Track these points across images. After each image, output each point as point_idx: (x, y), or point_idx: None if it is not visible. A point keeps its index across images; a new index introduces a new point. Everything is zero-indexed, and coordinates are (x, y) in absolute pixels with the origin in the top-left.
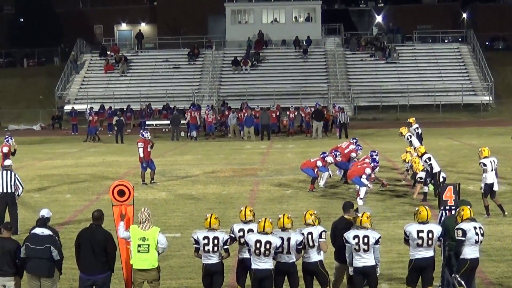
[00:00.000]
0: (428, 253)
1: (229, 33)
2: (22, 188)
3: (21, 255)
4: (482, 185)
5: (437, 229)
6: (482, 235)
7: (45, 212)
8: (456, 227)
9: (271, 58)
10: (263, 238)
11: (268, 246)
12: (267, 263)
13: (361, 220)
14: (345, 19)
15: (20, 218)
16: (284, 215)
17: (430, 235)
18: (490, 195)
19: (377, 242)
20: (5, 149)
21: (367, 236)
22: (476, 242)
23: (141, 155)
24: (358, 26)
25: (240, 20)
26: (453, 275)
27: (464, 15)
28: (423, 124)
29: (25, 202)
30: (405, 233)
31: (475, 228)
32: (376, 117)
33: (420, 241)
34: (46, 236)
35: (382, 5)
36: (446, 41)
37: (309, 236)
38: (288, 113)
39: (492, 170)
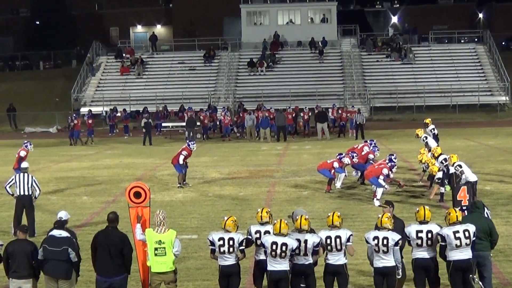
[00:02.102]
0: (429, 253)
1: (244, 35)
2: (39, 190)
3: (38, 257)
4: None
5: (436, 229)
6: (468, 237)
7: (63, 214)
8: (437, 232)
9: (287, 60)
10: (279, 240)
11: (284, 248)
12: (283, 265)
13: (381, 220)
14: (360, 20)
15: (37, 221)
16: (301, 216)
17: (429, 235)
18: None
19: (396, 243)
20: (23, 153)
21: (387, 238)
22: (458, 246)
23: (181, 162)
24: (373, 27)
25: (256, 21)
26: (470, 276)
27: (480, 15)
28: (439, 125)
29: (42, 204)
30: (405, 234)
31: (457, 232)
32: (392, 117)
33: (419, 241)
34: (63, 238)
35: (398, 5)
36: (462, 41)
37: (337, 239)
38: (302, 114)
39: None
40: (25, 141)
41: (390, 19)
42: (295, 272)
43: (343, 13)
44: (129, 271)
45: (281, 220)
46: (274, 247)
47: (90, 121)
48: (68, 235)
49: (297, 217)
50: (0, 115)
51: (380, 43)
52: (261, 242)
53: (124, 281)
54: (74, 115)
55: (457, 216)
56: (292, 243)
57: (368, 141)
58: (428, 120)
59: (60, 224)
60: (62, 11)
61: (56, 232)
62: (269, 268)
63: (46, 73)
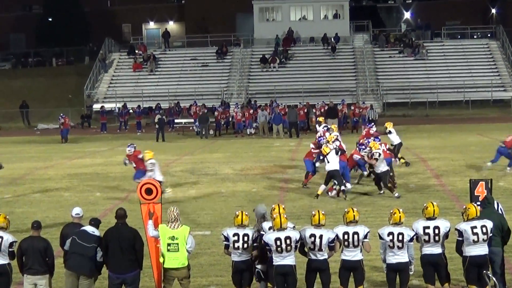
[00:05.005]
0: (436, 249)
1: (257, 31)
2: None
3: (64, 247)
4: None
5: (444, 225)
6: (485, 233)
7: (78, 211)
8: (455, 227)
9: (300, 56)
10: (282, 235)
11: (288, 241)
12: (288, 259)
13: (399, 217)
14: (373, 15)
15: (51, 217)
16: (318, 211)
17: (436, 231)
18: None
19: (411, 239)
20: None
21: (402, 233)
22: (475, 241)
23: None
24: (386, 22)
25: (268, 17)
26: (483, 271)
27: (493, 11)
28: (452, 121)
29: (55, 201)
30: (413, 230)
31: (474, 227)
32: (405, 113)
33: (426, 237)
34: (95, 237)
35: (410, 1)
36: (475, 37)
37: (355, 235)
38: (314, 110)
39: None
40: None
41: (403, 15)
42: (310, 268)
43: (356, 9)
44: (141, 267)
45: (280, 215)
46: (278, 242)
47: (67, 121)
48: (100, 235)
49: (262, 212)
50: (13, 111)
51: (392, 39)
52: (264, 241)
53: (136, 276)
54: (62, 114)
55: (476, 211)
56: (294, 234)
57: (368, 125)
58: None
59: (96, 222)
60: (74, 8)
61: (90, 229)
62: (275, 263)
63: (58, 70)
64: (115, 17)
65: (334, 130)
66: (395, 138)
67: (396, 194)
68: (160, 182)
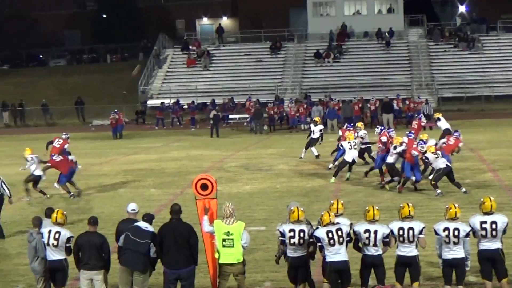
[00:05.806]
0: (493, 244)
1: (311, 26)
2: (8, 191)
3: (118, 243)
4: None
5: (502, 220)
6: (503, 229)
7: (134, 206)
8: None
9: (354, 50)
10: (333, 228)
11: (340, 233)
12: (342, 255)
13: (455, 212)
14: (427, 9)
15: (106, 213)
16: (373, 206)
17: (494, 226)
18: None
19: (467, 235)
20: (58, 144)
21: (458, 229)
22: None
23: None
24: (441, 16)
25: (322, 12)
26: None
27: None
28: (508, 115)
29: (111, 196)
30: (469, 225)
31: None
32: (460, 108)
33: (483, 232)
34: (149, 232)
35: None
36: None
37: (410, 231)
38: (369, 105)
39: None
40: (65, 133)
41: (458, 9)
42: (365, 263)
43: (410, 3)
44: (197, 262)
45: (327, 212)
46: (330, 235)
47: (122, 117)
48: (153, 230)
49: (292, 208)
50: (68, 108)
51: (447, 33)
52: (316, 237)
53: (192, 272)
54: (116, 110)
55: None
56: (345, 227)
57: (417, 116)
58: (359, 124)
59: (149, 218)
60: (128, 4)
61: (143, 225)
62: (328, 259)
63: (113, 66)
64: (169, 13)
65: (361, 128)
66: (443, 125)
67: (438, 191)
68: (39, 177)
